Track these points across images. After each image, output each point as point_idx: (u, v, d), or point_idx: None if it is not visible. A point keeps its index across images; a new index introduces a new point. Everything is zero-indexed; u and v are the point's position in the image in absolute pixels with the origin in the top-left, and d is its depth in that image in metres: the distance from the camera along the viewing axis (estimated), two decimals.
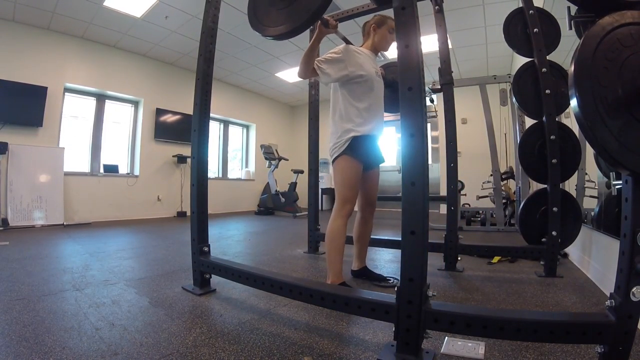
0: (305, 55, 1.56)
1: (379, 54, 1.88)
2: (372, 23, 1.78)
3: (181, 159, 5.87)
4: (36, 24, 4.27)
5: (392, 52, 5.13)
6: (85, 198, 4.72)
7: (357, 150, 1.62)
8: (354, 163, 1.62)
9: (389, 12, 1.17)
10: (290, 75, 6.30)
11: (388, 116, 2.13)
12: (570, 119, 2.24)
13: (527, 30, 2.11)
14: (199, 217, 1.67)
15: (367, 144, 1.65)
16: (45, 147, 4.33)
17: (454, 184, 2.23)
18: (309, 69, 1.59)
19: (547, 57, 2.02)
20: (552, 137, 1.95)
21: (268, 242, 3.27)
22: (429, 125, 4.32)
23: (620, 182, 0.95)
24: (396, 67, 2.18)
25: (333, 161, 1.69)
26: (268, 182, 6.39)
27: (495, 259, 2.33)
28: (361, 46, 1.81)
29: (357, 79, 1.62)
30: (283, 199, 6.05)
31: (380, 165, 1.89)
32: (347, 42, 1.72)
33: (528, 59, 2.14)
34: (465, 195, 4.90)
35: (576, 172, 2.15)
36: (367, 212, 1.84)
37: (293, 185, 6.29)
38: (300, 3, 1.30)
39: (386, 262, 2.38)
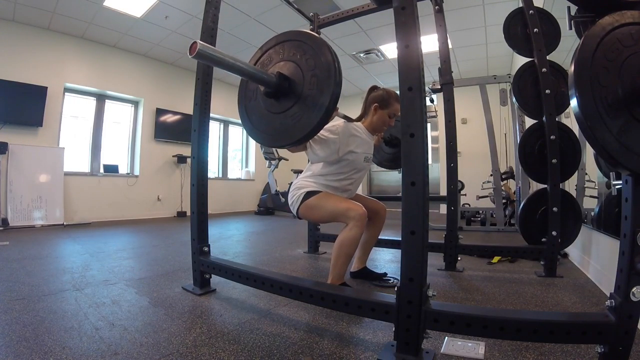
0: None
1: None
2: (376, 102, 1.70)
3: (181, 159, 5.87)
4: (36, 24, 4.28)
5: (392, 52, 5.08)
6: (85, 198, 4.72)
7: (316, 193, 1.60)
8: (317, 195, 1.59)
9: (389, 14, 1.15)
10: None
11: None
12: (570, 119, 2.24)
13: (527, 30, 2.11)
14: (199, 217, 1.67)
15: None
16: (45, 147, 4.33)
17: (454, 184, 2.23)
18: (301, 147, 1.54)
19: (547, 57, 2.02)
20: (552, 137, 1.95)
21: (268, 242, 3.27)
22: (429, 125, 4.32)
23: (620, 182, 0.95)
24: (395, 123, 2.11)
25: (298, 215, 1.66)
26: (268, 182, 6.39)
27: (495, 259, 2.33)
28: (360, 120, 1.75)
29: (343, 160, 1.61)
30: (283, 199, 6.04)
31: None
32: (347, 119, 1.66)
33: (528, 59, 2.14)
34: (465, 195, 4.90)
35: (576, 172, 2.15)
36: (377, 217, 1.81)
37: None
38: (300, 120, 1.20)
39: (386, 262, 2.38)
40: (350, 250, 1.52)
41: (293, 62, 1.24)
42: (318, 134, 1.52)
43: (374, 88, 1.77)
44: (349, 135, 1.61)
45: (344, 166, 1.63)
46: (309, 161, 1.72)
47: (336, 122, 1.61)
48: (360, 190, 2.15)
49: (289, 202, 1.69)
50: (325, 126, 1.55)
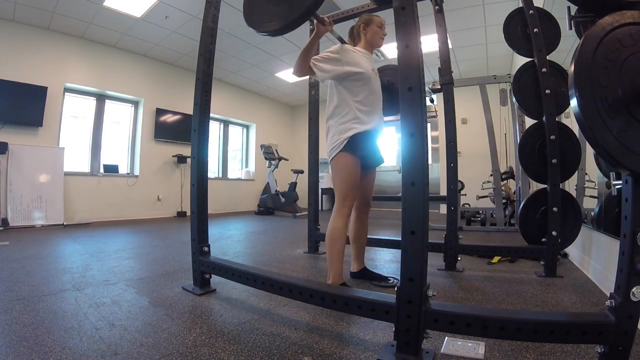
0: (302, 53, 1.55)
1: (378, 54, 1.90)
2: (360, 24, 1.80)
3: (181, 159, 5.87)
4: (36, 24, 4.27)
5: (392, 52, 5.10)
6: (85, 198, 4.72)
7: (357, 148, 1.61)
8: (353, 161, 1.61)
9: (389, 14, 1.16)
10: (290, 75, 6.29)
11: (387, 117, 2.13)
12: (570, 119, 2.24)
13: (527, 30, 2.11)
14: (199, 217, 1.67)
15: (367, 142, 1.64)
16: (45, 147, 4.33)
17: (454, 184, 2.23)
18: (305, 67, 1.57)
19: (547, 57, 2.02)
20: (552, 137, 1.95)
21: (268, 242, 3.27)
22: (429, 125, 4.33)
23: (620, 182, 0.95)
24: (391, 70, 2.17)
25: (331, 160, 1.68)
26: (268, 182, 6.39)
27: (495, 259, 2.33)
28: (356, 45, 1.81)
29: (354, 76, 1.62)
30: (283, 199, 6.05)
31: (381, 165, 1.89)
32: (343, 41, 1.73)
33: (528, 59, 2.14)
34: (465, 195, 4.90)
35: (576, 172, 2.15)
36: (363, 212, 1.84)
37: (293, 185, 6.29)
38: None
39: (386, 262, 2.38)
40: (339, 243, 1.59)
41: None
42: (319, 55, 1.61)
43: (352, 27, 1.88)
44: (348, 52, 1.65)
45: (356, 79, 1.62)
46: (327, 106, 1.71)
47: (333, 46, 1.67)
48: None
49: (328, 147, 1.68)
50: (323, 51, 1.65)
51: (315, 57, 1.60)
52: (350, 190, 1.62)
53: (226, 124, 7.30)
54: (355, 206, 1.80)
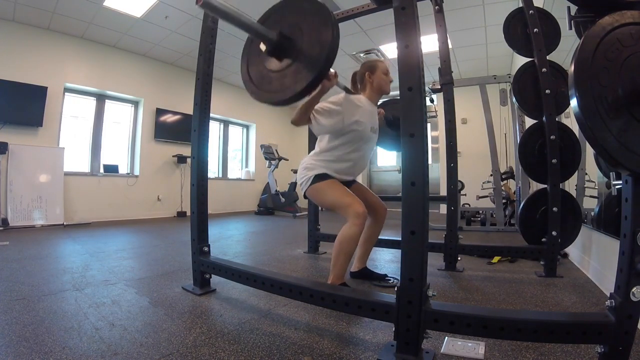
0: (304, 106, 1.50)
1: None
2: (364, 71, 1.74)
3: (181, 159, 5.87)
4: (36, 24, 4.27)
5: (392, 52, 5.07)
6: (85, 198, 4.72)
7: (326, 178, 1.62)
8: (327, 182, 1.61)
9: (389, 14, 1.16)
10: None
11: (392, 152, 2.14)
12: (570, 119, 2.24)
13: (527, 30, 2.11)
14: (199, 217, 1.67)
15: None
16: (45, 147, 4.33)
17: (454, 184, 2.23)
18: (305, 120, 1.55)
19: (547, 57, 2.02)
20: (552, 137, 1.95)
21: (268, 242, 3.27)
22: (429, 125, 4.33)
23: (620, 182, 0.95)
24: (396, 104, 2.15)
25: (305, 194, 1.68)
26: (268, 182, 6.39)
27: (495, 259, 2.33)
28: (360, 93, 1.76)
29: (350, 133, 1.61)
30: (283, 199, 6.05)
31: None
32: (348, 91, 1.68)
33: (528, 59, 2.14)
34: (465, 195, 4.90)
35: (576, 172, 2.15)
36: (376, 216, 1.81)
37: (293, 185, 6.29)
38: (299, 70, 1.21)
39: (386, 262, 2.38)
40: (350, 249, 1.53)
41: (293, 21, 1.27)
42: (321, 106, 1.56)
43: (354, 73, 1.83)
44: (352, 105, 1.62)
45: (351, 137, 1.62)
46: (309, 150, 1.73)
47: (337, 95, 1.63)
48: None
49: (298, 182, 1.71)
50: (327, 99, 1.60)
51: (316, 108, 1.55)
52: (346, 198, 1.55)
53: (226, 124, 7.29)
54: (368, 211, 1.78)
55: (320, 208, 2.65)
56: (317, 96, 1.47)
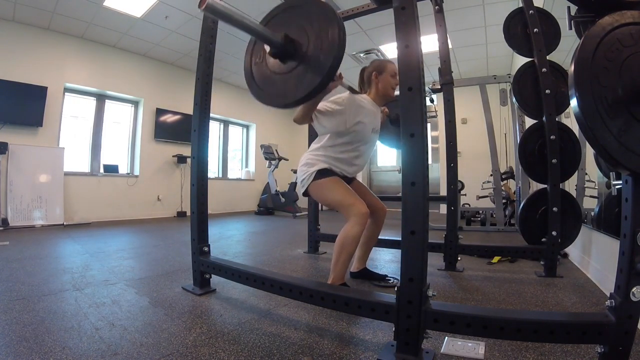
0: (306, 105, 1.49)
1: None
2: (372, 70, 1.71)
3: (181, 159, 5.87)
4: (36, 24, 4.27)
5: (392, 52, 5.08)
6: (85, 198, 4.72)
7: (327, 174, 1.60)
8: (329, 179, 1.60)
9: (389, 14, 1.16)
10: None
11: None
12: (570, 119, 2.24)
13: (527, 30, 2.11)
14: (199, 217, 1.67)
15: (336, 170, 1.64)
16: (45, 147, 4.33)
17: (454, 184, 2.23)
18: (307, 119, 1.55)
19: (547, 57, 2.02)
20: (552, 137, 1.95)
21: (268, 242, 3.27)
22: (429, 125, 4.32)
23: (620, 182, 0.95)
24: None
25: (305, 192, 1.67)
26: (268, 182, 6.39)
27: (495, 259, 2.33)
28: (365, 93, 1.75)
29: (352, 132, 1.60)
30: (283, 199, 6.05)
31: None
32: (353, 91, 1.67)
33: (528, 59, 2.14)
34: (465, 195, 4.90)
35: (576, 172, 2.15)
36: (375, 216, 1.80)
37: (293, 185, 6.28)
38: (307, 71, 1.21)
39: (386, 262, 2.38)
40: (352, 248, 1.52)
41: (299, 25, 1.26)
42: (324, 106, 1.54)
43: (363, 69, 1.80)
44: (355, 106, 1.60)
45: (352, 138, 1.62)
46: (309, 145, 1.72)
47: (341, 95, 1.61)
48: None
49: (299, 179, 1.69)
50: (331, 98, 1.58)
51: (319, 108, 1.55)
52: (349, 197, 1.55)
53: (226, 124, 7.29)
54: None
55: (320, 207, 2.65)
56: (321, 96, 1.46)
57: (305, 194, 1.69)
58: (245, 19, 1.14)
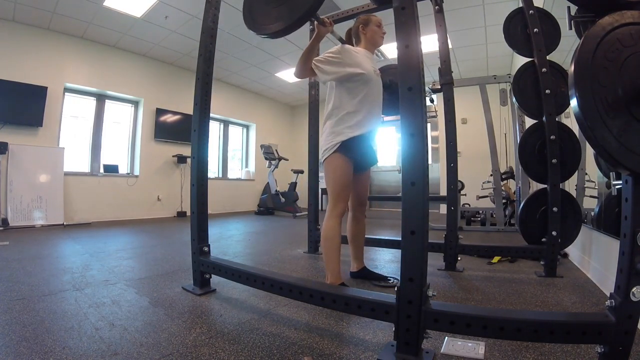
0: (303, 55, 1.55)
1: (378, 54, 1.89)
2: (358, 24, 1.79)
3: (181, 159, 5.87)
4: (36, 24, 4.27)
5: (392, 52, 5.10)
6: (85, 198, 4.72)
7: (350, 151, 1.61)
8: (345, 161, 1.62)
9: (389, 14, 1.16)
10: (290, 75, 6.29)
11: (388, 117, 2.13)
12: (570, 119, 2.24)
13: (527, 30, 2.11)
14: (199, 217, 1.67)
15: (360, 145, 1.63)
16: (45, 147, 4.33)
17: (454, 184, 2.23)
18: (306, 68, 1.58)
19: (547, 57, 2.02)
20: (552, 137, 1.95)
21: (268, 242, 3.27)
22: (429, 125, 4.33)
23: (620, 182, 0.94)
24: (393, 69, 2.18)
25: (324, 160, 1.68)
26: (268, 182, 6.39)
27: (495, 259, 2.33)
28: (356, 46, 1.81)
29: (356, 77, 1.61)
30: (283, 199, 6.05)
31: (380, 165, 1.89)
32: (343, 42, 1.73)
33: (528, 59, 2.14)
34: (465, 195, 4.90)
35: (576, 172, 2.15)
36: (359, 212, 1.84)
37: (293, 185, 6.29)
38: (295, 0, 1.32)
39: (386, 262, 2.38)
40: (333, 242, 1.59)
41: None
42: (322, 56, 1.60)
43: (349, 30, 1.87)
44: (350, 53, 1.64)
45: (358, 84, 1.62)
46: (326, 105, 1.70)
47: (335, 47, 1.65)
48: None
49: (322, 147, 1.67)
50: (325, 51, 1.64)
51: (317, 58, 1.60)
52: (342, 190, 1.62)
53: (226, 124, 7.30)
54: (351, 206, 1.81)
55: (320, 207, 2.65)
56: (314, 42, 1.52)
57: (323, 162, 1.70)
58: None
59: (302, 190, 4.28)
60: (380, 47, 2.02)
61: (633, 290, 0.85)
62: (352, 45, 1.83)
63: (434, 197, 4.93)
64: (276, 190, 6.17)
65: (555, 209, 1.94)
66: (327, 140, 1.65)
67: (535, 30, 2.04)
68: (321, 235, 1.64)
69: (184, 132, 5.78)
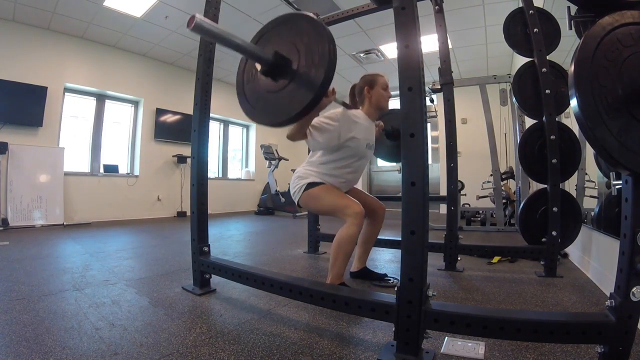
0: (299, 122, 1.44)
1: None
2: (363, 85, 1.72)
3: (181, 159, 5.87)
4: (36, 24, 4.27)
5: (392, 52, 5.07)
6: (85, 198, 4.72)
7: (319, 184, 1.61)
8: (320, 186, 1.60)
9: (389, 14, 1.15)
10: None
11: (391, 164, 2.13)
12: (570, 119, 2.24)
13: (527, 30, 2.11)
14: (199, 217, 1.67)
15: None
16: (45, 147, 4.33)
17: (454, 184, 2.23)
18: (301, 136, 1.52)
19: (547, 57, 2.02)
20: (552, 137, 1.95)
21: (268, 242, 3.27)
22: (429, 125, 4.33)
23: (620, 182, 0.95)
24: (396, 115, 2.14)
25: (299, 202, 1.69)
26: (268, 182, 6.39)
27: (495, 259, 2.33)
28: (359, 108, 1.75)
29: (345, 148, 1.61)
30: (283, 199, 6.05)
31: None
32: (346, 106, 1.66)
33: (528, 59, 2.14)
34: (465, 195, 4.90)
35: (576, 172, 2.15)
36: (375, 215, 1.80)
37: None
38: (297, 91, 1.18)
39: (386, 262, 2.38)
40: (349, 248, 1.52)
41: (290, 41, 1.24)
42: (318, 121, 1.53)
43: (353, 86, 1.81)
44: (349, 121, 1.60)
45: (346, 153, 1.62)
46: (309, 151, 1.72)
47: (335, 110, 1.61)
48: (360, 186, 2.15)
49: (291, 191, 1.71)
50: (325, 114, 1.57)
51: (313, 122, 1.52)
52: (341, 200, 1.55)
53: (226, 124, 7.29)
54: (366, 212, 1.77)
55: None
56: (314, 113, 1.42)
57: (300, 205, 1.71)
58: (235, 37, 1.11)
59: None
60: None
61: (633, 290, 0.85)
62: (355, 102, 1.78)
63: (434, 197, 4.92)
64: (276, 190, 6.17)
65: (555, 209, 1.94)
66: (294, 183, 1.68)
67: (535, 30, 2.04)
68: (336, 240, 1.53)
69: (184, 132, 5.77)
